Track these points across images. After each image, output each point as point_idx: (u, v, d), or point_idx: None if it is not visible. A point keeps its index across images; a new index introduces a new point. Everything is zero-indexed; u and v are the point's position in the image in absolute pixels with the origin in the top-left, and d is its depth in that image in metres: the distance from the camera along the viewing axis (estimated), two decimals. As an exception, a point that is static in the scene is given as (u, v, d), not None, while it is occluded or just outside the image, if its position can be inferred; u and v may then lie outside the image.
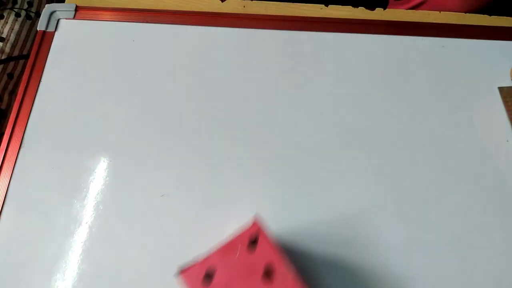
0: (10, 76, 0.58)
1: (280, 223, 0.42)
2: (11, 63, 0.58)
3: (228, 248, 0.30)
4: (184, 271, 0.30)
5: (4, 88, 0.57)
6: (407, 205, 0.43)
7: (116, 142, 0.47)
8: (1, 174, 0.45)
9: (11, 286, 0.40)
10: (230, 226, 0.42)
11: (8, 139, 0.47)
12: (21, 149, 0.47)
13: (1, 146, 0.47)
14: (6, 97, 0.57)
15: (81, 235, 0.42)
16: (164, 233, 0.42)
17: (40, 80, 0.51)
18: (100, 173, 0.45)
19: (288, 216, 0.43)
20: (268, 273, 0.29)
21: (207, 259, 0.30)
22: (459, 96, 0.49)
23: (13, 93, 0.58)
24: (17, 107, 0.49)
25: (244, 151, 0.46)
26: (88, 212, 0.43)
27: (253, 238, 0.31)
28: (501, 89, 0.49)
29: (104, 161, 0.46)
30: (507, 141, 0.46)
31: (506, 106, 0.48)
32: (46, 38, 0.54)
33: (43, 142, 0.47)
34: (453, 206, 0.43)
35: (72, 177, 0.45)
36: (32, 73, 0.51)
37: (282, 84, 0.50)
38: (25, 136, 0.47)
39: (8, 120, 0.48)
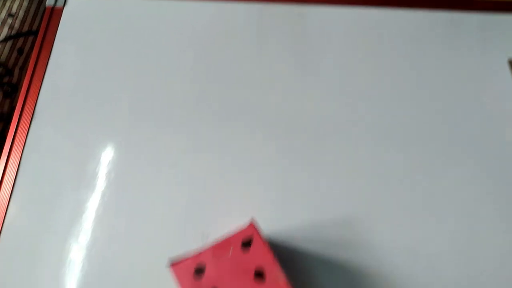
0: (20, 51, 0.58)
1: (282, 205, 0.43)
2: (21, 39, 0.59)
3: (221, 246, 0.31)
4: (175, 264, 0.30)
5: (15, 64, 0.57)
6: (416, 174, 0.43)
7: (126, 114, 0.47)
8: (14, 145, 0.46)
9: (27, 251, 0.41)
10: (236, 195, 0.43)
11: (19, 112, 0.48)
12: (33, 122, 0.47)
13: (14, 118, 0.48)
14: (16, 72, 0.58)
15: (93, 202, 0.43)
16: (172, 200, 0.43)
17: (49, 55, 0.51)
18: (110, 143, 0.46)
19: (290, 202, 0.43)
20: (259, 275, 0.29)
21: (199, 254, 0.31)
22: (469, 69, 0.49)
23: (23, 68, 0.59)
24: (28, 82, 0.50)
25: (250, 124, 0.46)
26: (99, 180, 0.44)
27: (247, 239, 0.31)
28: (511, 62, 0.49)
29: (114, 132, 0.46)
30: (516, 114, 0.46)
31: (515, 79, 0.48)
32: (54, 14, 0.54)
33: (54, 114, 0.48)
34: (462, 176, 0.43)
35: (83, 147, 0.46)
36: (41, 48, 0.52)
37: (290, 61, 0.50)
38: (36, 109, 0.48)
39: (19, 94, 0.49)
